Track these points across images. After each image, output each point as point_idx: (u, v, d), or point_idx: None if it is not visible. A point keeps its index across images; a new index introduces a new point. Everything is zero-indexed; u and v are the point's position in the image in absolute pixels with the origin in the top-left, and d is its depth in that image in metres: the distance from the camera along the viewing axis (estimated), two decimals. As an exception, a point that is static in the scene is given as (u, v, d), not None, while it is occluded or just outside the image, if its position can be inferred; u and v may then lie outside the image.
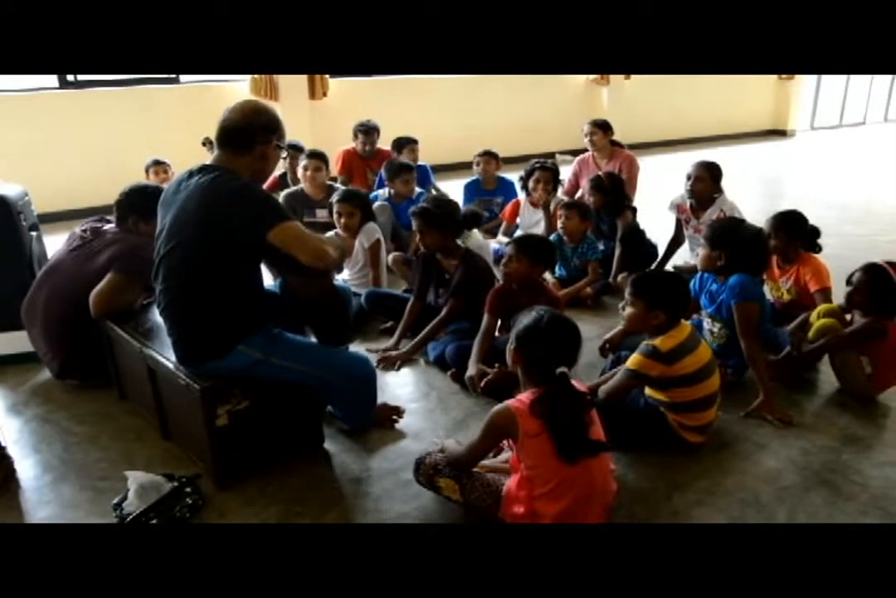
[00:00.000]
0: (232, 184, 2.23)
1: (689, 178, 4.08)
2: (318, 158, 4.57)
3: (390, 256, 4.29)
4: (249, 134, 2.29)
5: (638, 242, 4.36)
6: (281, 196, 4.72)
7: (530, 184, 4.67)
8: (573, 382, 2.02)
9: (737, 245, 2.89)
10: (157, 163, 5.21)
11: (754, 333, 2.84)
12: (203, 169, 2.30)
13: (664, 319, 2.48)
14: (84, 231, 3.11)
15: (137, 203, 3.03)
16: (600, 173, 4.60)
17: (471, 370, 2.97)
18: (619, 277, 4.18)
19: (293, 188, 4.78)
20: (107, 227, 3.12)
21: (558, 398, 1.95)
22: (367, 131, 5.53)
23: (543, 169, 4.61)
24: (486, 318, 3.09)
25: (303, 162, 4.58)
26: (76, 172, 6.18)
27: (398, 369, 3.28)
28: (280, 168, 5.63)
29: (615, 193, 4.42)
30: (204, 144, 4.82)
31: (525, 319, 2.09)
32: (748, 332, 2.82)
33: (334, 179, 5.04)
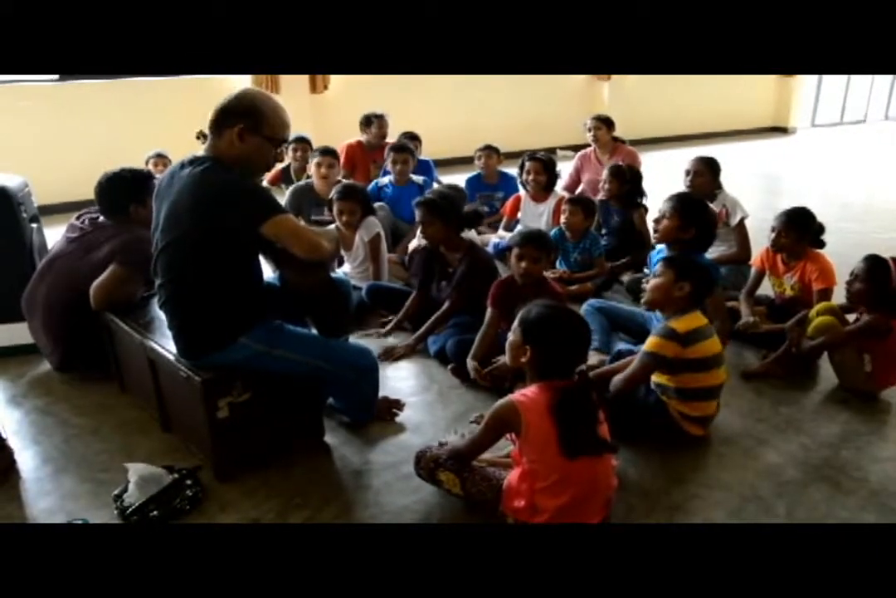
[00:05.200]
0: (222, 178, 2.21)
1: (688, 173, 4.07)
2: (332, 155, 4.50)
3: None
4: (219, 119, 2.26)
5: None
6: (288, 192, 4.69)
7: (524, 176, 4.67)
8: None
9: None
10: (158, 156, 5.20)
11: None
12: (194, 160, 2.28)
13: (688, 292, 2.52)
14: (82, 222, 3.09)
15: (127, 192, 3.00)
16: (620, 163, 4.60)
17: (470, 364, 2.99)
18: (626, 275, 4.20)
19: (301, 183, 4.72)
20: (102, 218, 3.09)
21: (577, 397, 1.96)
22: (381, 115, 5.51)
23: (533, 159, 4.60)
24: (489, 311, 3.09)
25: (315, 159, 4.48)
26: (76, 164, 6.16)
27: (395, 360, 3.29)
28: (284, 161, 5.60)
29: (633, 184, 4.44)
30: (198, 138, 4.79)
31: (535, 314, 2.07)
32: None
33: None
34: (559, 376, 2.01)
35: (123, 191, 3.01)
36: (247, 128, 2.25)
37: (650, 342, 2.51)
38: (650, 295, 2.63)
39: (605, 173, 4.49)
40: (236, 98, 2.28)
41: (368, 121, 5.54)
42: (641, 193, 4.54)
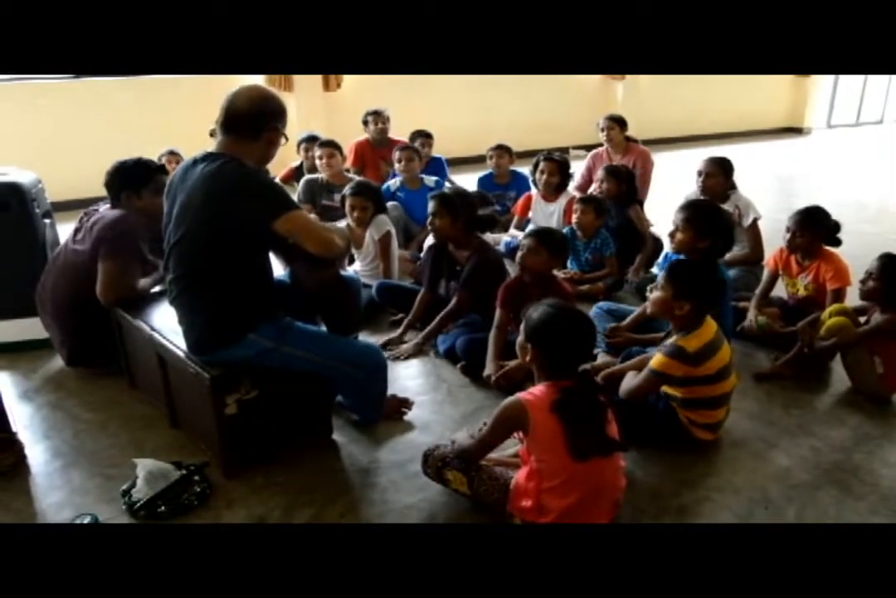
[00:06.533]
0: (236, 173, 2.21)
1: (700, 174, 4.04)
2: (330, 145, 4.65)
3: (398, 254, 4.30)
4: (258, 121, 2.27)
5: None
6: (301, 182, 4.82)
7: (537, 175, 4.66)
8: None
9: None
10: (170, 153, 5.22)
11: None
12: (207, 157, 2.28)
13: (689, 310, 2.42)
14: (82, 216, 3.12)
15: (123, 179, 3.02)
16: (616, 164, 4.62)
17: (489, 369, 2.98)
18: (633, 273, 4.19)
19: (313, 175, 4.84)
20: (102, 208, 3.11)
21: (581, 397, 1.95)
22: (377, 112, 5.54)
23: (548, 160, 4.59)
24: (498, 312, 3.08)
25: (316, 152, 4.66)
26: (90, 161, 6.15)
27: (404, 359, 3.29)
28: (297, 160, 5.65)
29: (628, 184, 4.42)
30: (212, 135, 4.83)
31: (538, 313, 2.07)
32: None
33: (348, 170, 5.06)
34: (565, 375, 2.00)
35: (117, 179, 3.04)
36: (281, 126, 2.31)
37: (657, 361, 2.43)
38: (652, 308, 2.58)
39: (600, 173, 4.49)
40: (267, 99, 2.30)
41: (365, 120, 5.58)
42: (635, 192, 4.55)
